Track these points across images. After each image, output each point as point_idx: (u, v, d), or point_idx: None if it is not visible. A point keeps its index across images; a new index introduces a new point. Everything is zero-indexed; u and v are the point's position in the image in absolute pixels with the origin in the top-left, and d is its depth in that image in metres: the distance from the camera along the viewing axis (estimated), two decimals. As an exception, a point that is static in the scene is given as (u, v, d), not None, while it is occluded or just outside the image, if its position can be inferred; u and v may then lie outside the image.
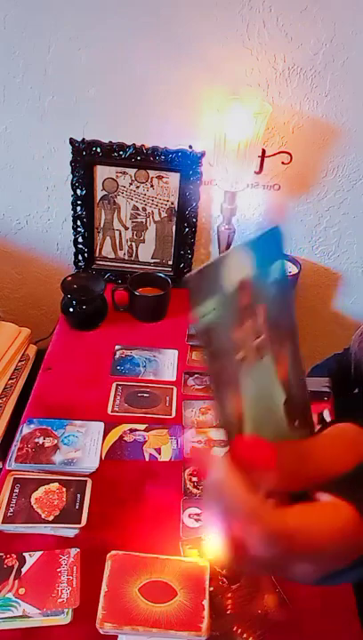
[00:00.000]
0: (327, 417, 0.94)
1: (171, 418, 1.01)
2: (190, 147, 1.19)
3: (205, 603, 0.69)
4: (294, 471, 0.35)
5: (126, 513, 0.84)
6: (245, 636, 0.70)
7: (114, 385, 1.07)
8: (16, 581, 0.72)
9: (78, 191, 1.25)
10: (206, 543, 0.77)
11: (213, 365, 0.36)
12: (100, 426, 0.97)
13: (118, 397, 1.04)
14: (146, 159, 1.20)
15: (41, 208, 1.32)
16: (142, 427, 0.98)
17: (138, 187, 1.25)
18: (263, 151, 1.15)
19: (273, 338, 0.38)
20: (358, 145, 1.18)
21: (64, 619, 0.70)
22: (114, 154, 1.20)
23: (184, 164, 1.20)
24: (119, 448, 0.94)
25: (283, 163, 1.20)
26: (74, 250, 1.34)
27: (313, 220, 1.30)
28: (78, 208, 1.28)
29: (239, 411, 0.37)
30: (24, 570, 0.74)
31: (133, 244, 1.33)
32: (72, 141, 1.19)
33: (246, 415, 0.38)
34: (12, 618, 0.69)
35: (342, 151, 1.19)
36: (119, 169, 1.23)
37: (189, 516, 0.84)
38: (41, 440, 0.93)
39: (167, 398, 1.05)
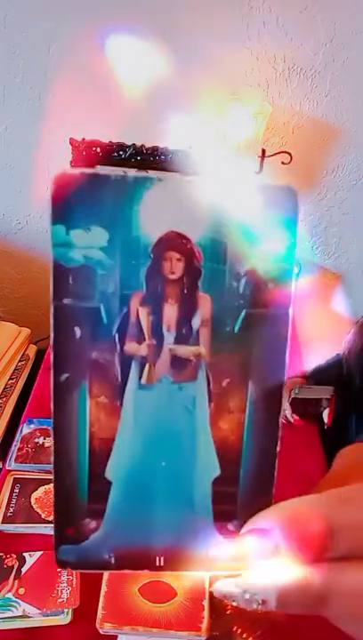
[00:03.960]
0: (326, 418, 0.95)
1: (171, 418, 1.01)
2: (190, 147, 1.18)
3: (205, 603, 0.69)
4: None
5: (126, 513, 0.84)
6: (245, 636, 0.70)
7: (114, 385, 1.07)
8: (16, 581, 0.72)
9: (78, 191, 1.25)
10: None
11: (68, 340, 0.25)
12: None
13: (118, 397, 1.04)
14: (146, 159, 1.20)
15: (41, 208, 1.32)
16: (142, 427, 0.98)
17: (138, 187, 1.25)
18: (263, 151, 1.15)
19: (222, 365, 0.25)
20: (358, 145, 1.18)
21: (64, 619, 0.70)
22: (114, 154, 1.20)
23: (184, 164, 1.20)
24: (119, 448, 0.94)
25: (283, 163, 1.20)
26: (74, 250, 1.34)
27: (313, 220, 1.30)
28: (78, 208, 1.27)
29: (108, 440, 0.26)
30: (24, 570, 0.74)
31: (133, 244, 1.33)
32: (72, 141, 1.19)
33: (118, 459, 0.26)
34: (12, 618, 0.69)
35: (342, 151, 1.19)
36: (119, 169, 1.23)
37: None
38: (41, 440, 0.93)
39: (167, 398, 1.05)
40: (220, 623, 0.70)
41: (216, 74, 1.10)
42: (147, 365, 0.26)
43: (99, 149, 1.20)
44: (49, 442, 0.92)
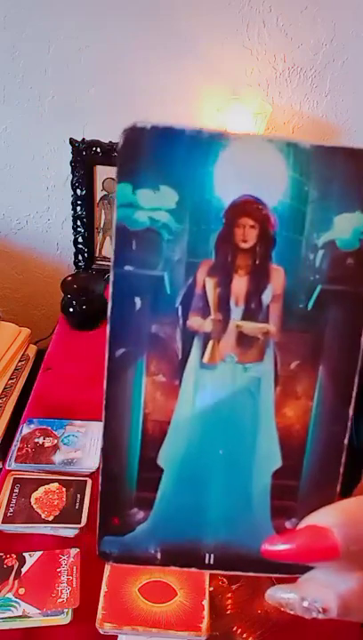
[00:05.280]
0: None
1: (171, 418, 1.00)
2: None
3: (205, 603, 0.69)
4: None
5: (126, 513, 0.84)
6: (245, 635, 0.70)
7: (114, 385, 1.07)
8: (16, 581, 0.72)
9: (78, 191, 1.25)
10: None
11: (127, 312, 0.22)
12: (101, 426, 0.96)
13: (118, 397, 1.04)
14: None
15: (41, 208, 1.32)
16: (142, 427, 0.98)
17: (138, 187, 1.25)
18: (263, 151, 1.15)
19: (292, 345, 0.23)
20: (358, 145, 1.18)
21: (64, 619, 0.70)
22: (114, 154, 1.20)
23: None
24: (119, 448, 0.94)
25: (283, 163, 1.20)
26: (74, 250, 1.34)
27: (313, 220, 1.31)
28: (78, 208, 1.27)
29: (163, 423, 0.24)
30: (24, 570, 0.74)
31: (133, 243, 1.33)
32: (72, 141, 1.19)
33: (172, 444, 0.24)
34: (11, 618, 0.69)
35: (342, 151, 1.20)
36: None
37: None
38: (41, 440, 0.93)
39: (167, 398, 1.05)
40: (220, 623, 0.70)
41: (216, 74, 1.10)
42: (210, 342, 0.23)
43: (99, 149, 1.20)
44: (49, 442, 0.92)
